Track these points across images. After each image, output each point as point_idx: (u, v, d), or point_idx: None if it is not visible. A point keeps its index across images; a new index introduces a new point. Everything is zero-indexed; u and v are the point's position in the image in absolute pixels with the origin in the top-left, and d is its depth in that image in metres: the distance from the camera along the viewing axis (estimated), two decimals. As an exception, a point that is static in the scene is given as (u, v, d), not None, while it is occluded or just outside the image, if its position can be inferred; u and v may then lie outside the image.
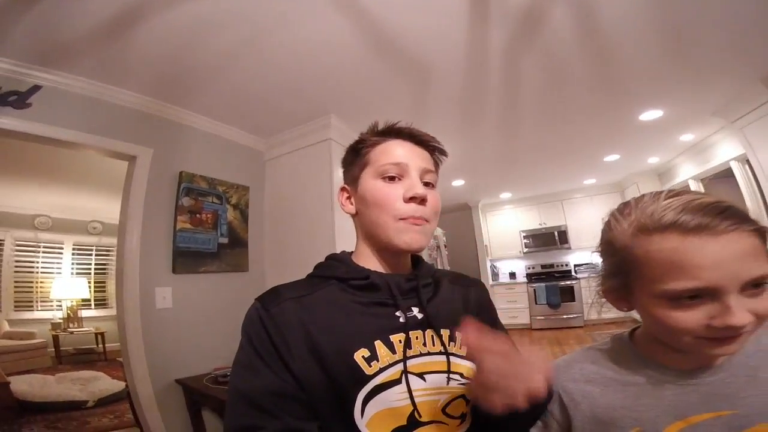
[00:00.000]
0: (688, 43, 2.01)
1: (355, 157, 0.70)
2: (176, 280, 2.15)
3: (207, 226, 2.36)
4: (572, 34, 1.85)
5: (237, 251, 2.53)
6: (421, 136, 0.69)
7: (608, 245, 0.55)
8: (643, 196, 0.54)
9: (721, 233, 0.44)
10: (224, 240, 2.45)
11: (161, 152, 2.20)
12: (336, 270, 0.66)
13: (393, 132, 0.69)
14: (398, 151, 0.66)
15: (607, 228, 0.56)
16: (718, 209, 0.44)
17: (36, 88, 1.73)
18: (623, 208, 0.55)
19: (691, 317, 0.45)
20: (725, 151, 3.54)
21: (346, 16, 1.62)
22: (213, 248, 2.38)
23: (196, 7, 1.50)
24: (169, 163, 2.24)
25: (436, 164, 0.72)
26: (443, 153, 0.73)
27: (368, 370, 0.54)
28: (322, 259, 0.72)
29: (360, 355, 0.55)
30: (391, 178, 0.64)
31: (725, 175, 3.74)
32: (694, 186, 4.29)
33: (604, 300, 0.59)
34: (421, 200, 0.63)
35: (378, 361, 0.55)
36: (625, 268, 0.52)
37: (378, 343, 0.57)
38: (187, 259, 2.22)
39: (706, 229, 0.44)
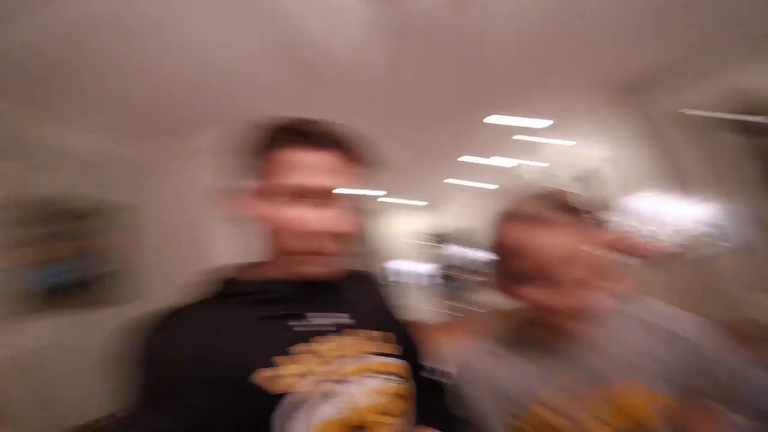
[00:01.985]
0: (542, 52, 2.36)
1: (251, 161, 0.60)
2: (29, 322, 1.75)
3: (76, 256, 2.00)
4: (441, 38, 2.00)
5: (114, 281, 2.17)
6: (333, 140, 0.58)
7: None
8: None
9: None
10: (98, 269, 2.10)
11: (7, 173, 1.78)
12: (233, 285, 0.59)
13: (298, 135, 0.57)
14: (303, 167, 0.56)
15: None
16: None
17: None
18: None
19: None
20: (582, 153, 4.08)
21: (247, 18, 1.56)
22: (82, 279, 2.01)
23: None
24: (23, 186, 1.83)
25: (354, 163, 0.60)
26: (361, 152, 0.61)
27: (278, 389, 0.49)
28: (217, 276, 0.61)
29: (265, 374, 0.49)
30: (295, 199, 0.55)
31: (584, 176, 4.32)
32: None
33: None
34: (330, 231, 0.56)
35: (290, 377, 0.50)
36: None
37: (287, 359, 0.51)
38: (48, 295, 1.83)
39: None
